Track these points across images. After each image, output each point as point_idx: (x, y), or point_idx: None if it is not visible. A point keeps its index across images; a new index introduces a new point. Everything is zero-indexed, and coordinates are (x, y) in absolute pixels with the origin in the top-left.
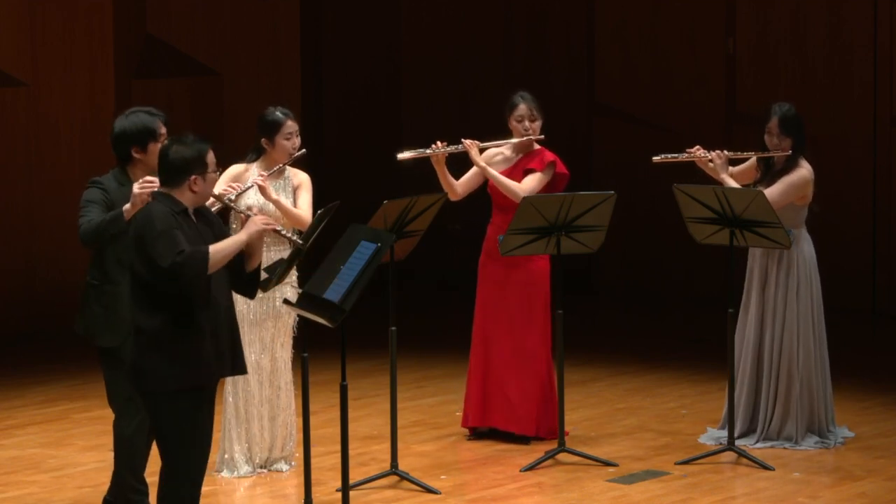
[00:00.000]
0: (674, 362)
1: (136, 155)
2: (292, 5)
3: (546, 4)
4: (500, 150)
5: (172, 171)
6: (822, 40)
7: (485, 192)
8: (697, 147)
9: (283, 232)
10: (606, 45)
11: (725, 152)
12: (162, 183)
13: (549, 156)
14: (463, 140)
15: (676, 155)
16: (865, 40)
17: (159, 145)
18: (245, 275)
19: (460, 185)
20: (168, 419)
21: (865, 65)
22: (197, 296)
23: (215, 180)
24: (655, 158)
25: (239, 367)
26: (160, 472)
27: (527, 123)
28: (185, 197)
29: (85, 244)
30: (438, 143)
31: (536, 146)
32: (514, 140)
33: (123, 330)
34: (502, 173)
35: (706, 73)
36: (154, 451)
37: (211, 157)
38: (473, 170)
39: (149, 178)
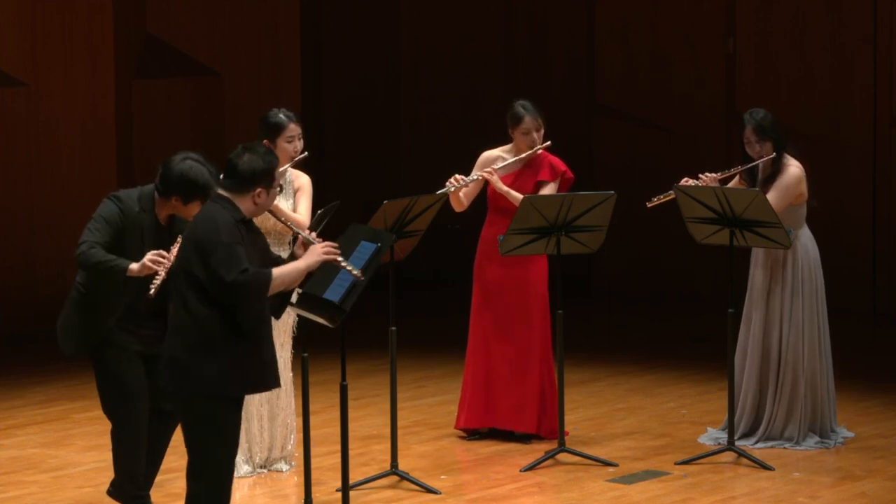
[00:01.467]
0: (674, 362)
1: (174, 202)
2: (292, 5)
3: (546, 5)
4: (502, 155)
5: (240, 180)
6: (822, 40)
7: (483, 191)
8: (686, 179)
9: (343, 263)
10: (606, 45)
11: (714, 174)
12: (226, 188)
13: (558, 164)
14: (479, 172)
15: (669, 193)
16: (865, 41)
17: (200, 204)
18: (281, 294)
19: (465, 198)
20: (204, 422)
21: (865, 65)
22: (252, 312)
23: (276, 195)
24: (650, 204)
25: (275, 382)
26: (188, 470)
27: (533, 136)
28: (246, 206)
29: (78, 265)
30: (456, 176)
31: (539, 151)
32: (525, 154)
33: (91, 340)
34: (507, 178)
35: (706, 73)
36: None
37: (278, 172)
38: (472, 178)
39: (164, 253)
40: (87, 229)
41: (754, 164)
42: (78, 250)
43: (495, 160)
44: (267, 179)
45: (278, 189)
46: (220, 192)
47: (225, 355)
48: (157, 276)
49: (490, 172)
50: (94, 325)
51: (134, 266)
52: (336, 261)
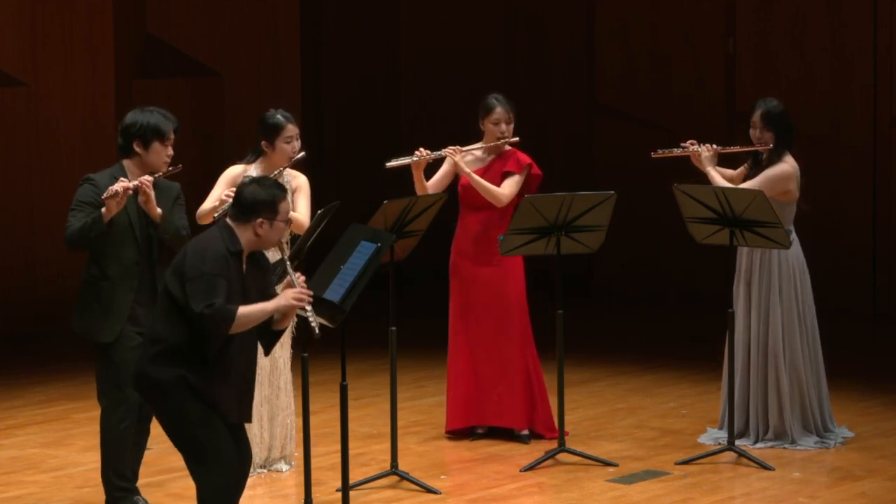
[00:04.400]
0: (674, 362)
1: (136, 149)
2: (292, 5)
3: (546, 5)
4: (471, 151)
5: (242, 208)
6: (822, 41)
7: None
8: (692, 141)
9: (309, 313)
10: (606, 45)
11: (715, 146)
12: (231, 216)
13: (525, 158)
14: (446, 148)
15: (672, 149)
16: (865, 41)
17: (164, 148)
18: (269, 330)
19: (432, 187)
20: (177, 419)
21: (865, 65)
22: (213, 344)
23: (282, 230)
24: (654, 154)
25: (239, 417)
26: (190, 471)
27: (503, 126)
28: (247, 237)
29: (69, 246)
30: (422, 150)
31: (508, 147)
32: (492, 143)
33: (118, 326)
34: (475, 172)
35: (706, 73)
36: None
37: (284, 206)
38: (443, 171)
39: (123, 180)
40: (69, 217)
41: (753, 149)
42: (65, 234)
43: (470, 151)
44: (268, 211)
45: (284, 223)
46: (227, 220)
47: (189, 367)
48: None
49: (454, 151)
50: (116, 302)
51: (103, 209)
52: (304, 310)
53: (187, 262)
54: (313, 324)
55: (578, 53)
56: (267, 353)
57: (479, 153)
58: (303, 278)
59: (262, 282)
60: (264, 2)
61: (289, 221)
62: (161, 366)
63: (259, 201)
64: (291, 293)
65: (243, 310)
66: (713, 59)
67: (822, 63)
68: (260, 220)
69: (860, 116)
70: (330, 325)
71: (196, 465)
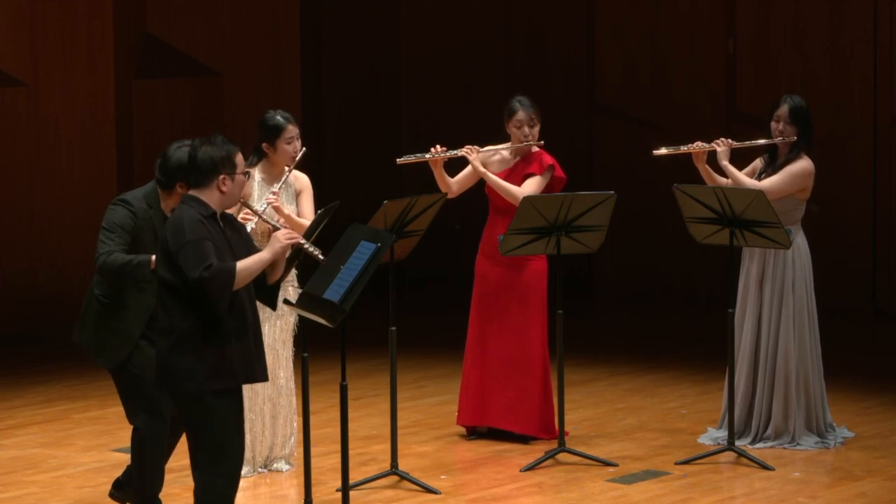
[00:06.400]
0: (674, 362)
1: (179, 189)
2: (292, 5)
3: (546, 5)
4: (497, 151)
5: (201, 172)
6: (822, 40)
7: (483, 190)
8: (697, 143)
9: (307, 246)
10: (606, 45)
11: (730, 140)
12: (191, 185)
13: (548, 159)
14: (463, 147)
15: (677, 147)
16: (865, 41)
17: None
18: (267, 286)
19: (456, 184)
20: (199, 418)
21: (865, 65)
22: (221, 305)
23: (243, 182)
24: (657, 153)
25: (262, 375)
26: (194, 470)
27: (526, 129)
28: (213, 198)
29: (101, 274)
30: (438, 146)
31: (534, 149)
32: (514, 146)
33: (124, 350)
34: (499, 175)
35: (706, 73)
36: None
37: (240, 158)
38: (468, 168)
39: (294, 234)
40: (101, 240)
41: (774, 141)
42: (98, 261)
43: (496, 152)
44: (227, 166)
45: (245, 175)
46: (188, 193)
47: (204, 352)
48: None
49: (470, 150)
50: (127, 330)
51: (153, 256)
52: (299, 243)
53: (169, 240)
54: (315, 252)
55: (578, 54)
56: (274, 307)
57: (505, 153)
58: (283, 221)
59: (245, 244)
60: (264, 2)
61: (247, 174)
62: (181, 355)
63: (217, 159)
64: (280, 234)
65: (241, 263)
66: (713, 59)
67: (822, 63)
68: (222, 176)
69: (860, 116)
70: (330, 325)
71: (206, 455)
